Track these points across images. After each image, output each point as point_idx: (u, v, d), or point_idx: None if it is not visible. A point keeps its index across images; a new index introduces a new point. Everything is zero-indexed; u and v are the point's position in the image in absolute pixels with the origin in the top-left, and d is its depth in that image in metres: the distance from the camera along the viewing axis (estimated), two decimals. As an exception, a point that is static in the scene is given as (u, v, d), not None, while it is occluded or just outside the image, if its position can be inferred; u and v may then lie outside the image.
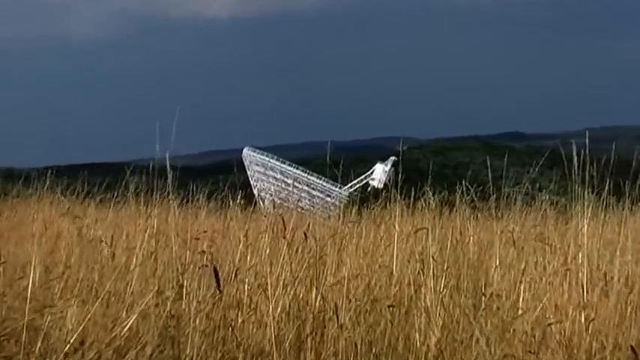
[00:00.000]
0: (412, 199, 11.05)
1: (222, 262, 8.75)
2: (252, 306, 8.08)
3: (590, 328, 7.58)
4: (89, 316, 7.20)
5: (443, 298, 7.93)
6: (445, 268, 8.35)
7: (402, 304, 8.42)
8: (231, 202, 11.49)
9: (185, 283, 8.03)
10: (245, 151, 47.77)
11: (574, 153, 8.79)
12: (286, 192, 35.49)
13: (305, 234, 8.82)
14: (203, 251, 8.81)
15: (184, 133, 9.29)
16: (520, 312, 8.05)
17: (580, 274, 8.06)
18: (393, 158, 44.37)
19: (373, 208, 12.12)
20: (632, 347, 6.22)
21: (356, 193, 28.15)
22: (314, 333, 7.79)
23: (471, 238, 9.87)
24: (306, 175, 45.68)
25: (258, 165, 46.77)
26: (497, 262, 9.11)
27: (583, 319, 7.65)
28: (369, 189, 37.69)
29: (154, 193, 10.50)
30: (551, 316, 7.89)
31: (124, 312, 7.58)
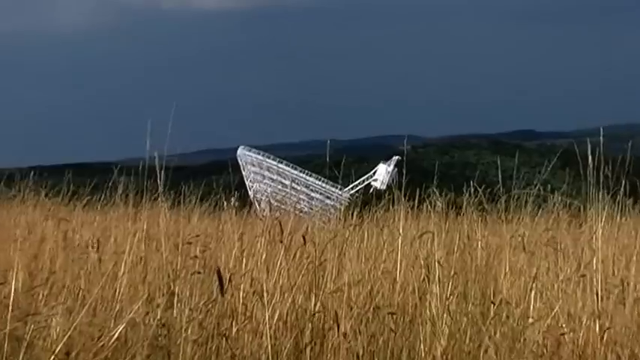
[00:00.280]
0: (417, 201, 11.02)
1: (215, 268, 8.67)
2: (247, 314, 8.00)
3: (604, 337, 7.50)
4: (75, 324, 7.06)
5: (449, 306, 7.89)
6: (452, 274, 8.33)
7: (406, 312, 8.37)
8: (225, 204, 11.50)
9: (176, 290, 7.99)
10: (240, 150, 47.31)
11: (588, 152, 8.77)
12: (284, 194, 35.32)
13: (304, 238, 8.81)
14: (195, 256, 8.81)
15: (177, 131, 9.38)
16: (531, 321, 7.93)
17: (594, 281, 7.97)
18: (396, 158, 44.47)
19: (375, 211, 12.11)
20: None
21: (357, 195, 28.10)
22: (313, 343, 7.74)
23: (479, 242, 9.78)
24: (304, 175, 45.59)
25: (254, 165, 46.50)
26: (507, 268, 9.04)
27: (597, 329, 7.57)
28: (372, 190, 37.54)
29: (144, 195, 10.59)
30: (563, 325, 7.78)
31: (112, 321, 7.49)
